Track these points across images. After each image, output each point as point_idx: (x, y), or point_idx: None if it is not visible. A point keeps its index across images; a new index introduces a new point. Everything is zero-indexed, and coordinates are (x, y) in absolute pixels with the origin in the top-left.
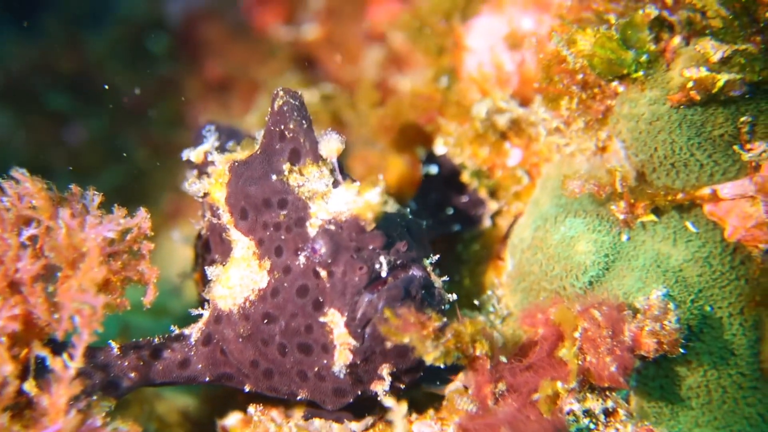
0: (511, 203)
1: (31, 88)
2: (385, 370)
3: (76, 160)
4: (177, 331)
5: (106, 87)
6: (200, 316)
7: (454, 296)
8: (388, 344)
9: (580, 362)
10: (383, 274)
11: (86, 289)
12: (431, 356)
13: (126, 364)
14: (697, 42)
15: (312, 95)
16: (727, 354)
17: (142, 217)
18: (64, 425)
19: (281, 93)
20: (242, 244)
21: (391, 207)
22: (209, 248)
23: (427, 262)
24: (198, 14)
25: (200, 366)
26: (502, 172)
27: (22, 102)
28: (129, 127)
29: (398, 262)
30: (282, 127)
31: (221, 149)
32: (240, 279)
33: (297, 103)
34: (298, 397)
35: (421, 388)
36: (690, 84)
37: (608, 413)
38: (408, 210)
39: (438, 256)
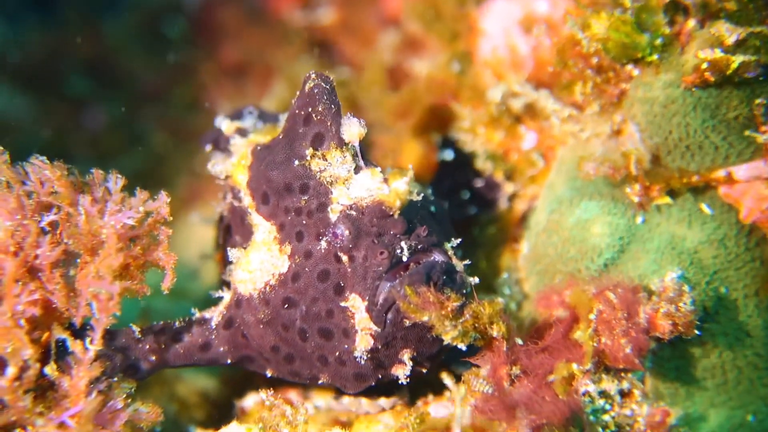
0: (527, 186)
1: (51, 74)
2: (405, 355)
3: (96, 145)
4: (198, 315)
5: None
6: (221, 298)
7: (476, 280)
8: (410, 329)
9: (595, 344)
10: (404, 258)
11: (103, 276)
12: (449, 335)
13: (147, 347)
14: (712, 25)
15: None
16: (743, 335)
17: (162, 202)
18: (85, 406)
19: (313, 76)
20: (263, 229)
21: (416, 191)
22: (230, 231)
23: (448, 245)
24: None
25: (222, 349)
26: (518, 156)
27: (42, 88)
28: (147, 111)
29: (419, 246)
30: (309, 109)
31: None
32: (260, 263)
33: (328, 87)
34: (320, 381)
35: (442, 370)
36: (704, 65)
37: (624, 394)
38: (430, 191)
39: (460, 240)
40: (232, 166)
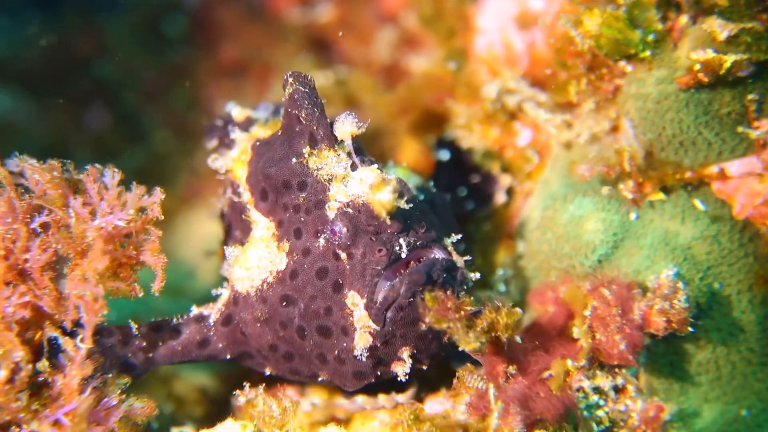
0: (523, 182)
1: (51, 73)
2: (405, 352)
3: (97, 144)
4: (196, 311)
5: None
6: (220, 295)
7: (477, 275)
8: (409, 327)
9: (589, 340)
10: (403, 255)
11: (89, 279)
12: (471, 346)
13: (144, 344)
14: (704, 21)
15: (327, 78)
16: (736, 330)
17: (156, 199)
18: (78, 404)
19: (291, 80)
20: (262, 225)
21: (413, 184)
22: (231, 226)
23: (448, 241)
24: None
25: (221, 345)
26: (513, 152)
27: (42, 87)
28: (148, 110)
29: (418, 243)
30: (296, 112)
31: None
32: (258, 260)
33: (307, 90)
34: (319, 379)
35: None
36: (697, 66)
37: (618, 390)
38: (432, 184)
39: (461, 235)
40: (232, 161)
